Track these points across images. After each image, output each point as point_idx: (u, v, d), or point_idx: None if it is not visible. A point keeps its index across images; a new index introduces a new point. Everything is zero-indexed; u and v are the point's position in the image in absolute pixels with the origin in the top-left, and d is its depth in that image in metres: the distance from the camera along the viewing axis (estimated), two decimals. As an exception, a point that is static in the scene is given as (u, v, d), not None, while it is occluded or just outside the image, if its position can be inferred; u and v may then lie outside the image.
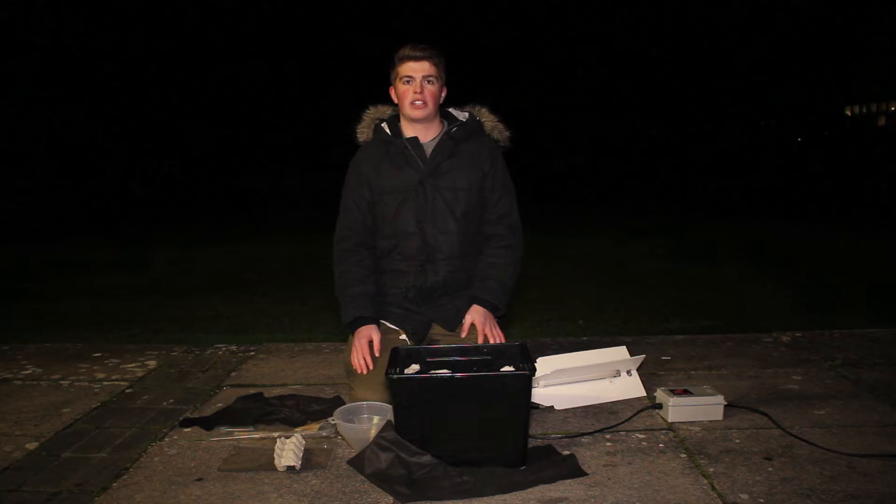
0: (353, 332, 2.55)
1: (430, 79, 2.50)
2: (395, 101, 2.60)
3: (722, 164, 20.77)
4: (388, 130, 2.61)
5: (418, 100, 2.50)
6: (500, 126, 2.72)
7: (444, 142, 2.58)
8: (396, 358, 2.19)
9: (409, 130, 2.59)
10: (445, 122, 2.64)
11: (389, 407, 2.24)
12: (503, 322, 2.66)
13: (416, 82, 2.49)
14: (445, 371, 2.12)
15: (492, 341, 2.50)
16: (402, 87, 2.52)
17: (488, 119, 2.70)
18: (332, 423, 2.36)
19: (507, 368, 2.12)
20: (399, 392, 2.06)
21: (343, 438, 2.30)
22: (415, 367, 2.18)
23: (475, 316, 2.57)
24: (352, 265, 2.59)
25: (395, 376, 2.06)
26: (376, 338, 2.51)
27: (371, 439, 2.11)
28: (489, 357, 2.25)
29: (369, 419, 2.32)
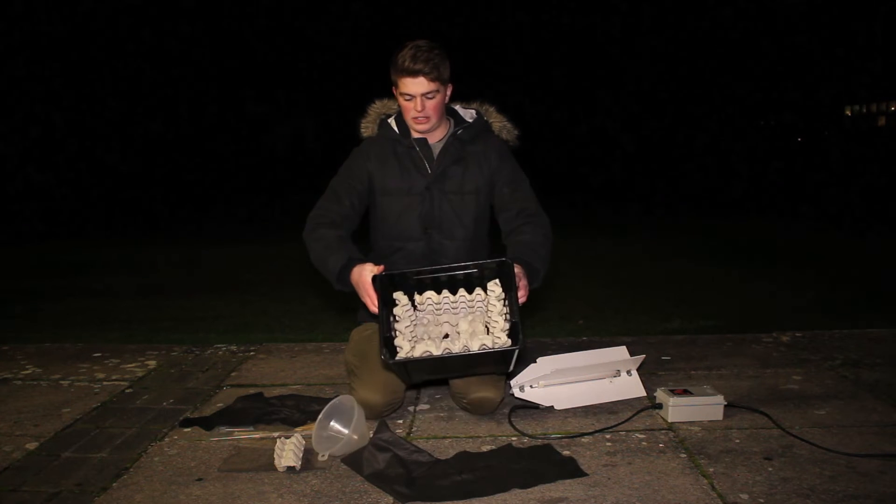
0: (349, 277, 2.27)
1: (431, 94, 2.39)
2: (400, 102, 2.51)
3: (721, 163, 20.77)
4: (395, 128, 2.54)
5: (420, 116, 2.42)
6: (509, 126, 2.64)
7: (450, 144, 2.52)
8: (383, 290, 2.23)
9: (416, 131, 2.52)
10: (452, 121, 2.57)
11: (349, 407, 2.23)
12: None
13: (416, 100, 2.40)
14: (431, 295, 2.28)
15: (521, 293, 2.25)
16: (403, 101, 2.44)
17: (496, 119, 2.63)
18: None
19: (491, 284, 2.23)
20: (395, 371, 2.25)
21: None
22: (401, 297, 2.25)
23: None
24: (329, 232, 2.39)
25: (391, 361, 2.12)
26: (373, 270, 2.21)
27: (356, 441, 2.13)
28: (475, 271, 2.29)
29: (334, 428, 2.24)
